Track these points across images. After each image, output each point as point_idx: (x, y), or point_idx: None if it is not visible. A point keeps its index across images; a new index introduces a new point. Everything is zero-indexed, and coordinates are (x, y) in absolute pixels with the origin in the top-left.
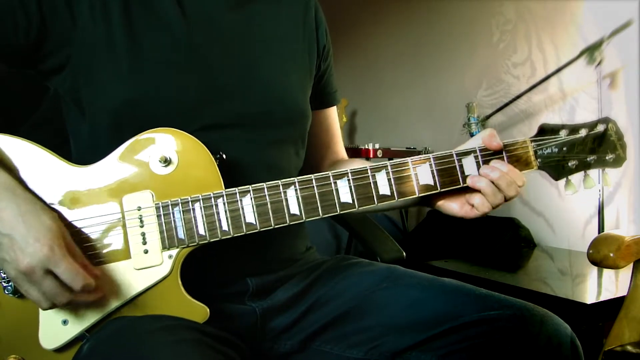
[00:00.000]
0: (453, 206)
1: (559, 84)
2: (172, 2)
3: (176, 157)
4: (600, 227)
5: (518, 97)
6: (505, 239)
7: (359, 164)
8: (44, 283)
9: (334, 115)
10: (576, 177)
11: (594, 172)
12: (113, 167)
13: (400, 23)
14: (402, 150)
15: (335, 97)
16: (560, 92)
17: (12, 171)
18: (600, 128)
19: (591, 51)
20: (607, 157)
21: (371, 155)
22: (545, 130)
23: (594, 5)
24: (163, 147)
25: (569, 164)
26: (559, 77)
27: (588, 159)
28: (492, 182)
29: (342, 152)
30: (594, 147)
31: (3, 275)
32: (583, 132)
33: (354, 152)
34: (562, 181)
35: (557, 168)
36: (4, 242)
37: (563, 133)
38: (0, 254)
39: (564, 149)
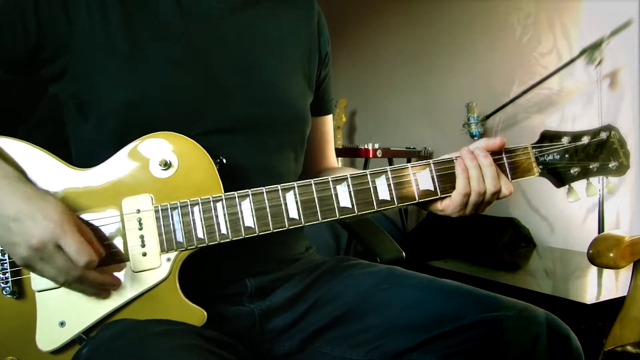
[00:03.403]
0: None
1: (559, 83)
2: (173, 4)
3: (176, 161)
4: (600, 227)
5: (518, 97)
6: (505, 239)
7: (352, 171)
8: (56, 258)
9: (329, 123)
10: (578, 185)
11: (595, 179)
12: (113, 170)
13: (400, 23)
14: (402, 150)
15: (332, 105)
16: (560, 92)
17: (13, 165)
18: (603, 135)
19: (591, 51)
20: (609, 165)
21: (371, 155)
22: (547, 137)
23: (594, 5)
24: (163, 150)
25: (571, 171)
26: (559, 77)
27: (590, 167)
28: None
29: (334, 160)
30: (597, 154)
31: (2, 276)
32: (585, 140)
33: (354, 152)
34: (564, 188)
35: (558, 175)
36: (13, 226)
37: (565, 140)
38: (11, 239)
39: (566, 156)
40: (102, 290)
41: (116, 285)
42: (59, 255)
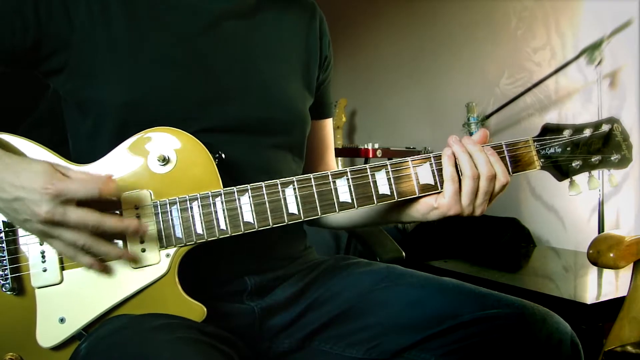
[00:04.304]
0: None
1: (558, 83)
2: (176, 5)
3: (175, 156)
4: (600, 227)
5: (518, 96)
6: (505, 239)
7: None
8: (68, 216)
9: (329, 127)
10: (580, 178)
11: (597, 173)
12: (111, 165)
13: (400, 23)
14: (402, 150)
15: (332, 109)
16: (560, 92)
17: None
18: (605, 128)
19: (591, 51)
20: (612, 158)
21: (371, 155)
22: (549, 130)
23: (593, 4)
24: (162, 146)
25: (573, 165)
26: (559, 76)
27: (592, 160)
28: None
29: (334, 166)
30: (599, 147)
31: (2, 273)
32: (587, 132)
33: (354, 152)
34: (566, 182)
35: (560, 168)
36: (17, 206)
37: (567, 133)
38: (21, 217)
39: (568, 149)
40: (122, 252)
41: (140, 230)
42: (70, 210)
